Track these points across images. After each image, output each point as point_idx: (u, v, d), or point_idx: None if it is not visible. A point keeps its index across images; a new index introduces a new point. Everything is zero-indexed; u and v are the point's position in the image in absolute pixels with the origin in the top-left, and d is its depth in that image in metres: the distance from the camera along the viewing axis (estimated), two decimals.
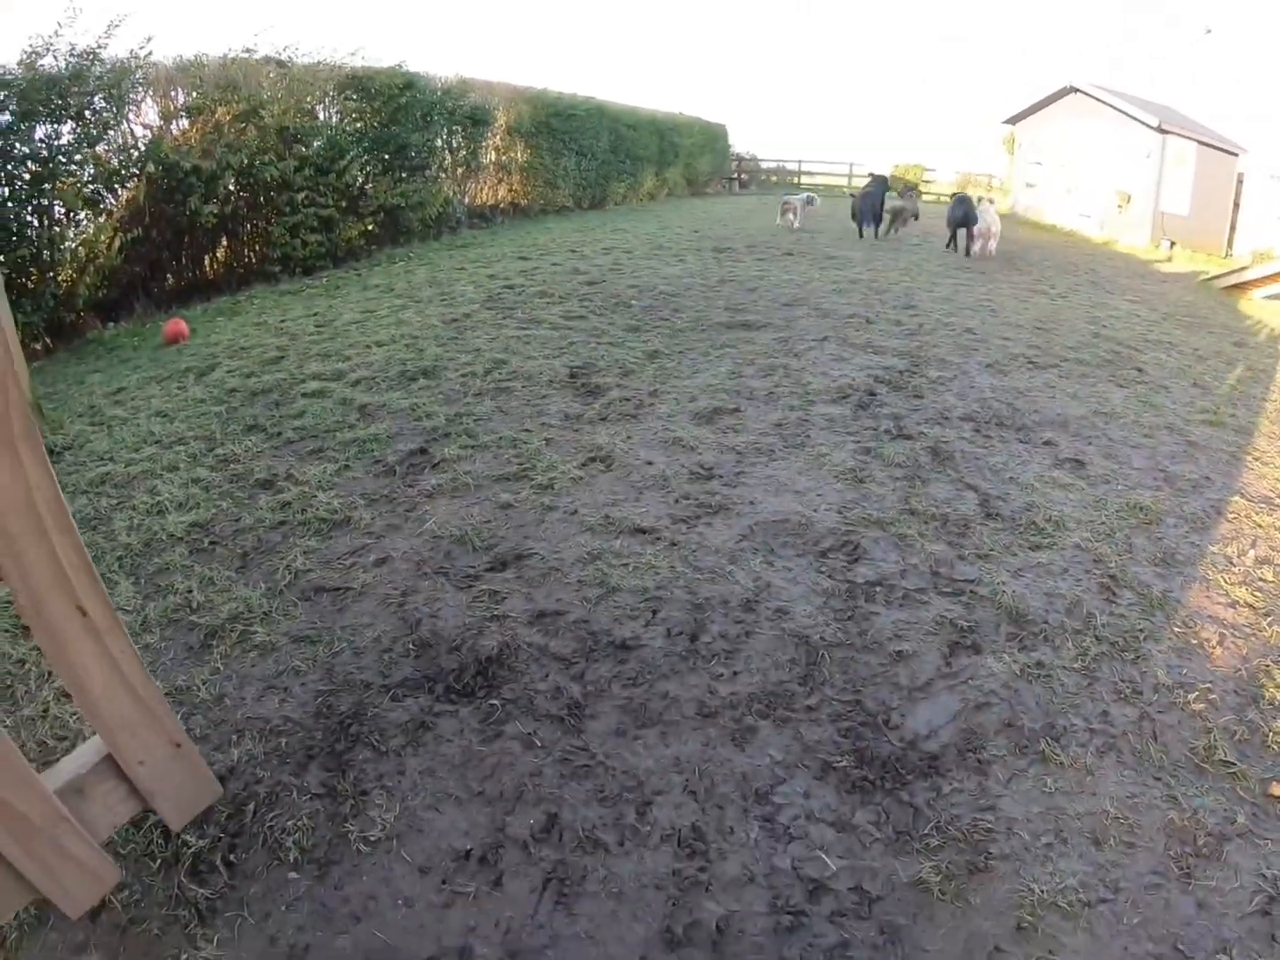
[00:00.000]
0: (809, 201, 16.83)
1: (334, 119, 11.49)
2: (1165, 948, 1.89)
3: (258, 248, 10.26)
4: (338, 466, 4.19)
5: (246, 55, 10.34)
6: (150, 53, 8.90)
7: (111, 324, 8.38)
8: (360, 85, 11.50)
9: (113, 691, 1.70)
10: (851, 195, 18.67)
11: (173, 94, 9.49)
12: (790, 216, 15.84)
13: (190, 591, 3.12)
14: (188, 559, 3.38)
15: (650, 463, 4.29)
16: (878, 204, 14.72)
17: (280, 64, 10.66)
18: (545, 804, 2.19)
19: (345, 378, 5.58)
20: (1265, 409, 6.31)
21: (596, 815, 2.17)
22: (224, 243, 10.16)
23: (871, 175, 16.60)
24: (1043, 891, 1.99)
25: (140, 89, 9.07)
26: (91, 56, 8.14)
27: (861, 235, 14.57)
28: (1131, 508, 4.10)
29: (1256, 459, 5.07)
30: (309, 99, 10.80)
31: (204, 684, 2.62)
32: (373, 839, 2.07)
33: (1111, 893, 2.01)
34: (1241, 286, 13.55)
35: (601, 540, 3.50)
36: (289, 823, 2.11)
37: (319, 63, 11.34)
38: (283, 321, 7.48)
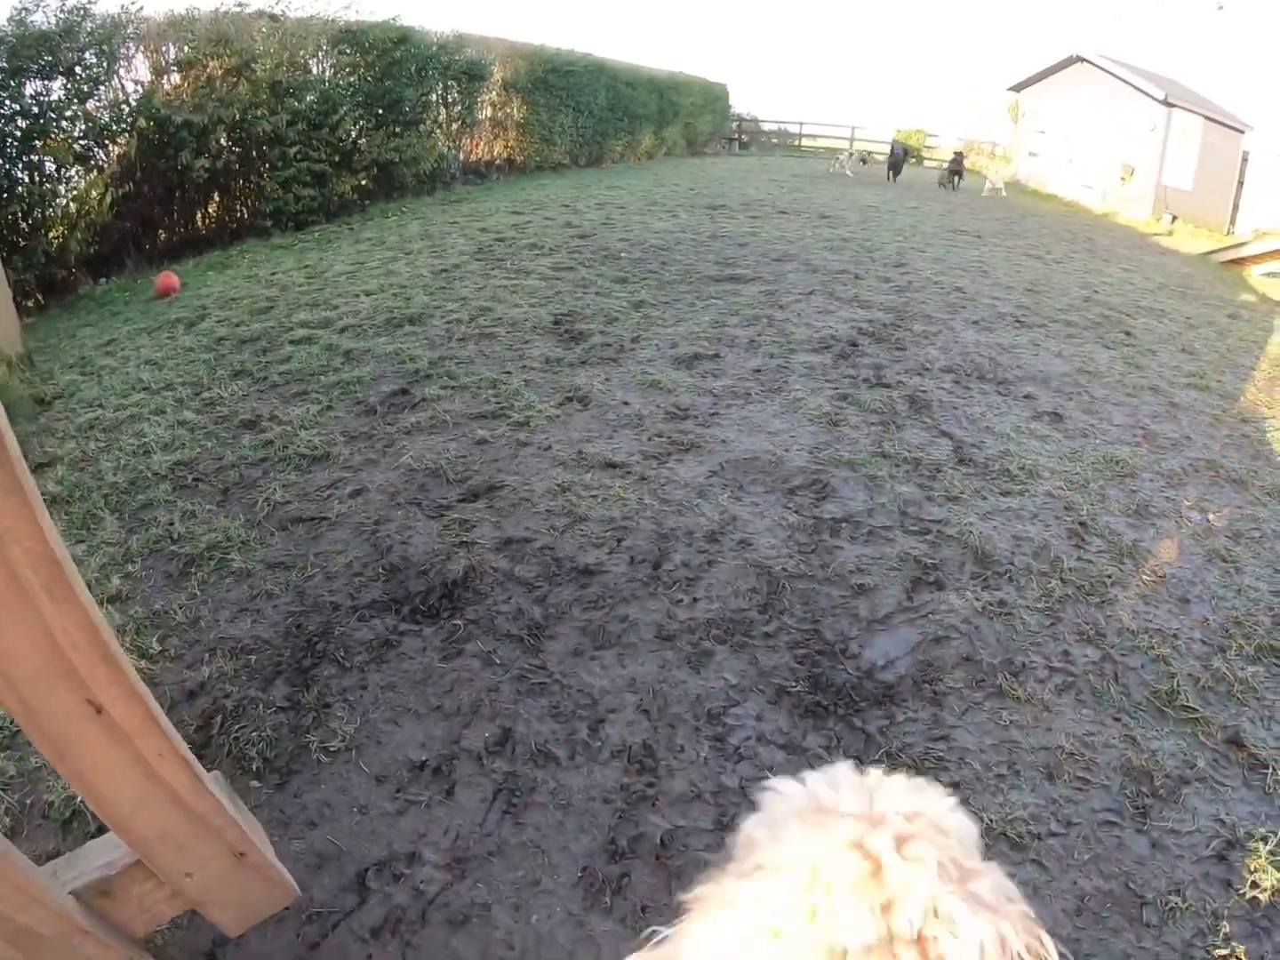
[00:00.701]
0: (863, 160, 22.39)
1: (327, 73, 11.34)
2: (1116, 885, 1.92)
3: (250, 202, 10.16)
4: (320, 407, 4.23)
5: (239, 9, 10.17)
6: (141, 7, 8.81)
7: (103, 280, 8.32)
8: (354, 39, 11.31)
9: (148, 804, 1.36)
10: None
11: (164, 48, 9.34)
12: (842, 160, 21.30)
13: (172, 524, 3.18)
14: (171, 495, 3.44)
15: (626, 403, 4.34)
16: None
17: (273, 17, 10.49)
18: (501, 719, 2.26)
19: (332, 325, 5.59)
20: (1253, 377, 6.35)
21: (550, 730, 2.23)
22: (216, 197, 10.06)
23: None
24: (992, 821, 2.03)
25: (131, 44, 8.94)
26: (82, 12, 8.05)
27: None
28: (1108, 461, 4.16)
29: (1240, 423, 5.10)
30: (302, 53, 10.66)
31: (181, 608, 2.69)
32: (332, 749, 2.14)
33: (1063, 827, 2.05)
34: (1240, 262, 13.46)
35: (573, 474, 3.56)
36: (253, 734, 2.18)
37: (312, 16, 11.14)
38: (273, 274, 7.47)
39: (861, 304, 6.68)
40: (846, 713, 2.36)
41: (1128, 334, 6.87)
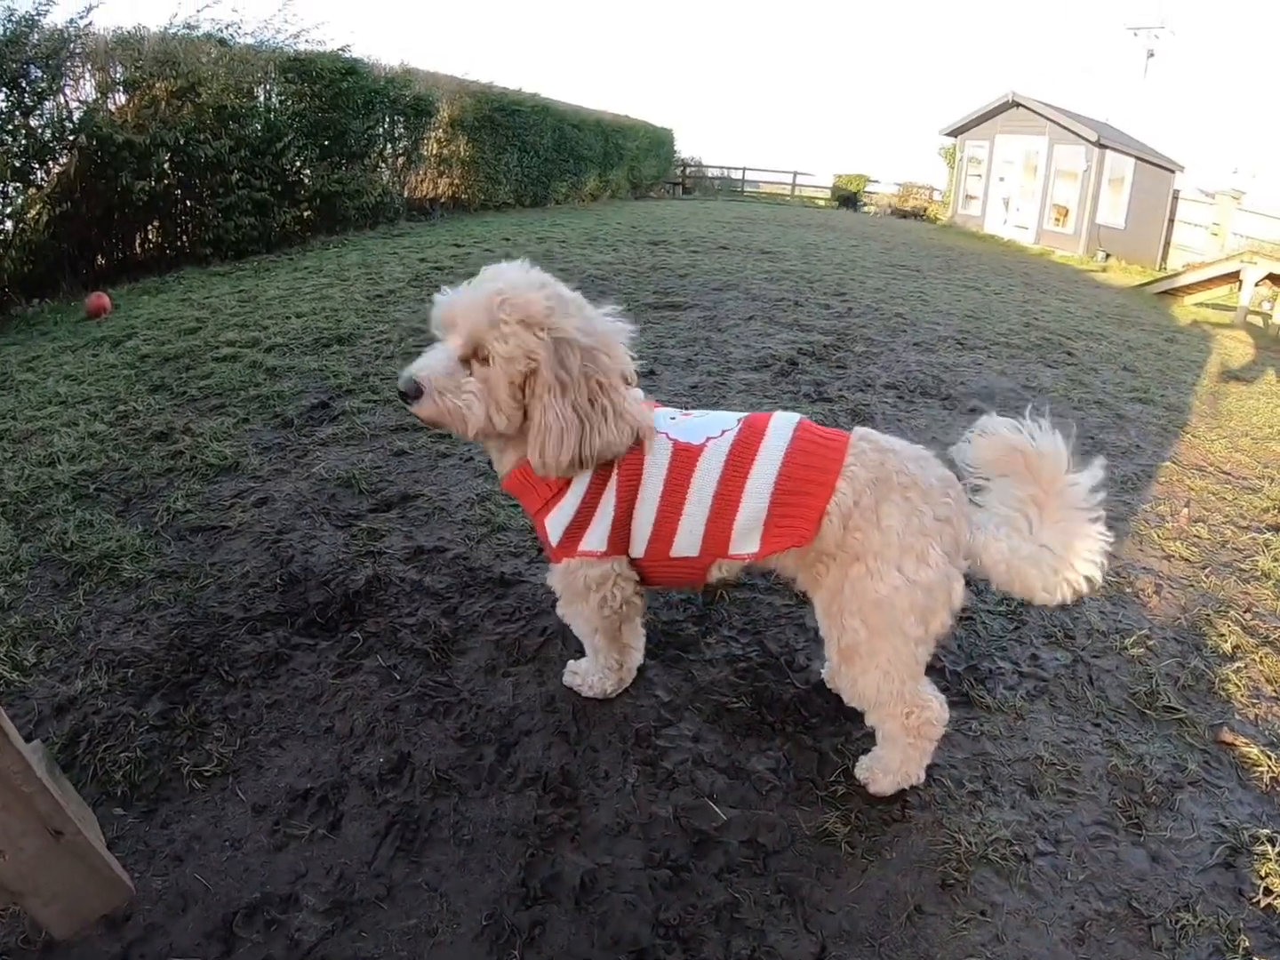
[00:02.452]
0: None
1: (273, 101, 11.10)
2: (1117, 905, 1.73)
3: (189, 229, 9.84)
4: (236, 420, 4.00)
5: (188, 31, 9.99)
6: (90, 23, 8.56)
7: (36, 301, 8.00)
8: (302, 68, 11.11)
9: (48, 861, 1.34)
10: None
11: (110, 67, 9.06)
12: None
13: (65, 533, 2.93)
14: (70, 504, 3.19)
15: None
16: None
17: (221, 42, 10.31)
18: (398, 742, 2.02)
19: (260, 344, 5.36)
20: (1196, 392, 6.46)
21: (454, 755, 1.99)
22: (155, 222, 9.73)
23: None
24: (970, 844, 1.82)
25: (78, 60, 8.67)
26: (30, 23, 7.82)
27: None
28: None
29: (1188, 433, 5.17)
30: (249, 79, 10.41)
31: (63, 618, 2.43)
32: (207, 774, 1.89)
33: (1051, 845, 1.86)
34: (1174, 293, 13.89)
35: (493, 484, 3.35)
36: (121, 755, 1.92)
37: (261, 43, 11.02)
38: (206, 298, 7.19)
39: (802, 327, 6.59)
40: (795, 730, 2.12)
41: (1069, 354, 6.96)
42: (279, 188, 10.61)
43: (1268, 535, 3.70)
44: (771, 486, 1.74)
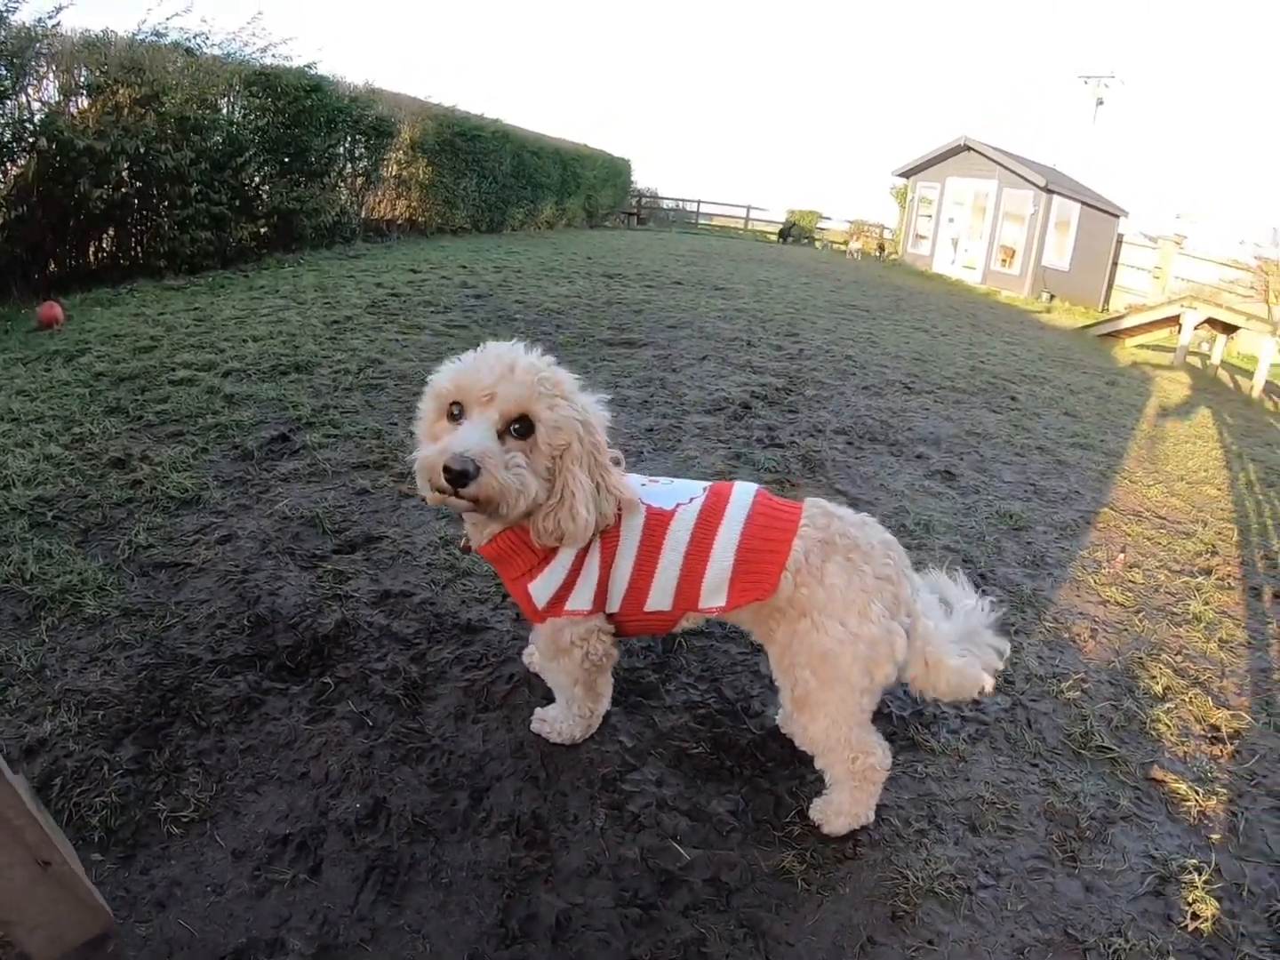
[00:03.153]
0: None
1: (236, 114, 11.04)
2: (1054, 932, 1.87)
3: (145, 240, 9.72)
4: (195, 449, 3.99)
5: (155, 39, 9.93)
6: (58, 24, 8.49)
7: None
8: (267, 83, 11.10)
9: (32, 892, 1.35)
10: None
11: (75, 69, 8.92)
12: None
13: (25, 563, 2.90)
14: (27, 532, 3.15)
15: None
16: None
17: (188, 51, 10.25)
18: (374, 788, 2.06)
19: (216, 368, 5.35)
20: (1135, 436, 6.82)
21: (429, 800, 2.04)
22: (110, 231, 9.60)
23: None
24: (918, 879, 1.95)
25: (43, 60, 8.55)
26: None
27: None
28: (1001, 515, 4.31)
29: (1126, 478, 5.51)
30: (213, 91, 10.35)
31: (26, 655, 2.42)
32: (185, 820, 1.92)
33: (992, 878, 2.00)
34: (1116, 335, 14.40)
35: (457, 528, 3.41)
36: (96, 799, 1.93)
37: (228, 55, 10.97)
38: (161, 314, 7.13)
39: (754, 369, 6.76)
40: (752, 774, 2.24)
41: (1013, 399, 7.29)
42: (237, 202, 10.56)
43: (1199, 579, 3.96)
44: (736, 547, 1.91)
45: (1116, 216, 24.14)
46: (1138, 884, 2.03)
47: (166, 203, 9.57)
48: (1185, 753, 2.58)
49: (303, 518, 3.40)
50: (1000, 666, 2.01)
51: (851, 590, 1.84)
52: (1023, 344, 11.46)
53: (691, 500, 1.99)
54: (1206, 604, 3.66)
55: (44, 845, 1.37)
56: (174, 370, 5.25)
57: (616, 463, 1.95)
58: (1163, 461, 6.18)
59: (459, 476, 1.63)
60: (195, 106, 9.75)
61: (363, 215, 14.21)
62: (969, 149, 24.09)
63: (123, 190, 9.12)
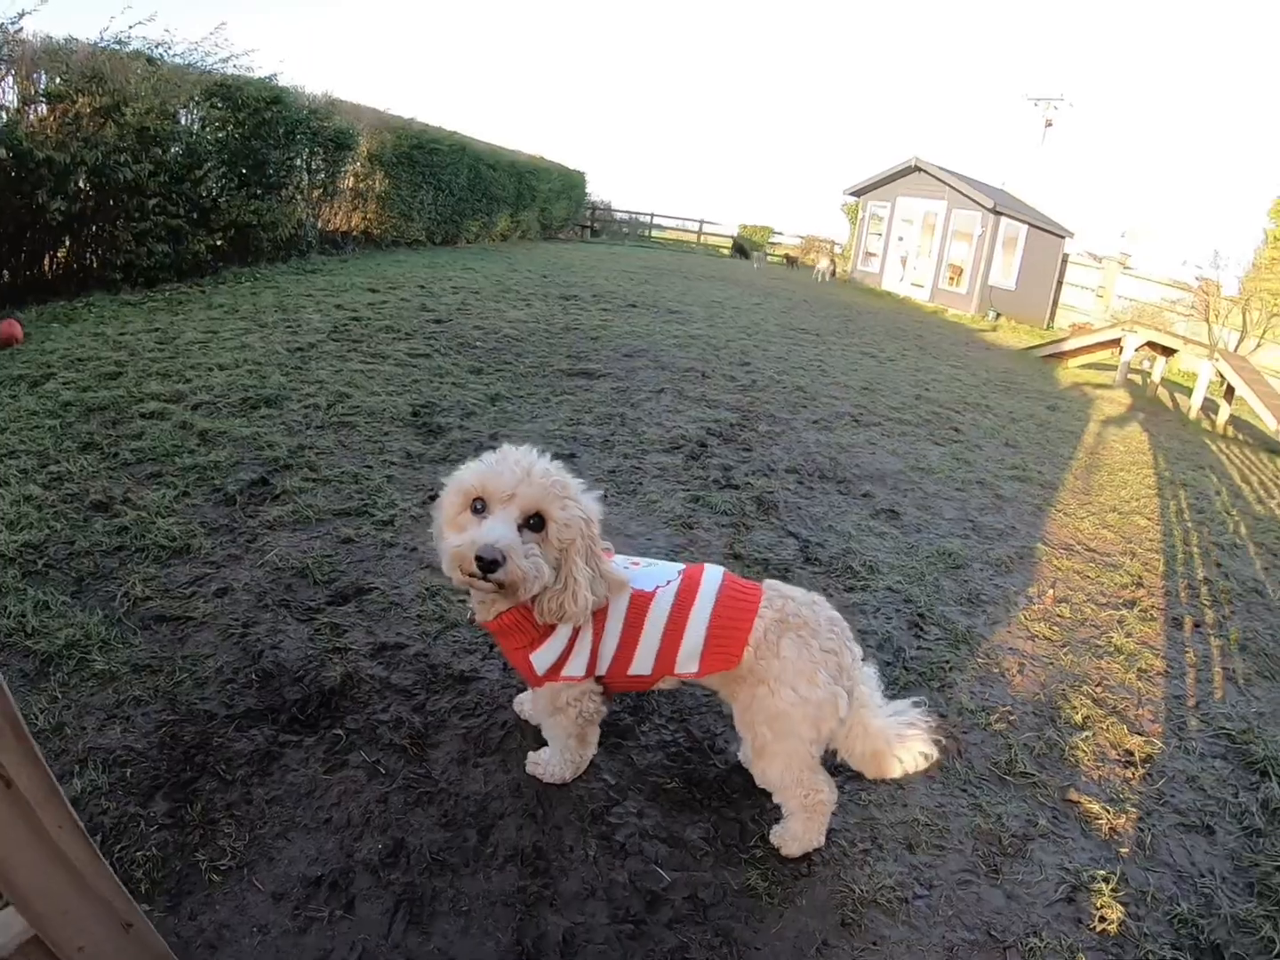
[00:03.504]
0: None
1: (196, 125, 11.02)
2: (979, 934, 2.19)
3: (101, 252, 9.68)
4: (176, 492, 4.14)
5: (117, 47, 9.89)
6: (21, 29, 8.47)
7: None
8: (227, 94, 11.10)
9: (50, 879, 1.35)
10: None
11: (35, 76, 8.83)
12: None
13: (25, 616, 3.02)
14: (21, 581, 3.26)
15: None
16: None
17: (150, 61, 10.22)
18: (392, 830, 2.29)
19: (185, 400, 5.47)
20: (1071, 466, 7.26)
21: (442, 839, 2.28)
22: (67, 243, 9.54)
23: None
24: (863, 891, 2.27)
25: (3, 66, 8.48)
26: None
27: None
28: (941, 554, 4.61)
29: (1060, 510, 5.90)
30: (174, 101, 10.31)
31: (42, 712, 2.56)
32: (224, 868, 2.11)
33: (926, 889, 2.32)
34: (1059, 356, 14.92)
35: (440, 577, 3.61)
36: (138, 854, 2.11)
37: (190, 65, 10.98)
38: (122, 334, 7.20)
39: (709, 403, 7.06)
40: (720, 804, 2.54)
41: (956, 430, 7.70)
42: (194, 215, 10.56)
43: (1123, 611, 4.32)
44: (707, 625, 2.23)
45: (1062, 237, 24.96)
46: (1052, 892, 2.36)
47: (123, 215, 9.55)
48: (1100, 776, 2.93)
49: (293, 568, 3.57)
50: (926, 750, 2.35)
51: (801, 661, 2.16)
52: (968, 368, 11.93)
53: (669, 583, 2.30)
54: (1128, 636, 4.01)
55: (129, 910, 1.51)
56: (143, 401, 5.35)
57: (608, 552, 2.26)
58: (1097, 492, 6.58)
59: (490, 565, 1.91)
60: (156, 117, 9.73)
61: (319, 228, 14.26)
62: (919, 169, 24.77)
63: (81, 202, 9.09)
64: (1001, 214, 22.95)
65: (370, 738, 2.65)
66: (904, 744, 2.33)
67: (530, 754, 2.59)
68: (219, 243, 11.31)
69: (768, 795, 2.41)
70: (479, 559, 1.91)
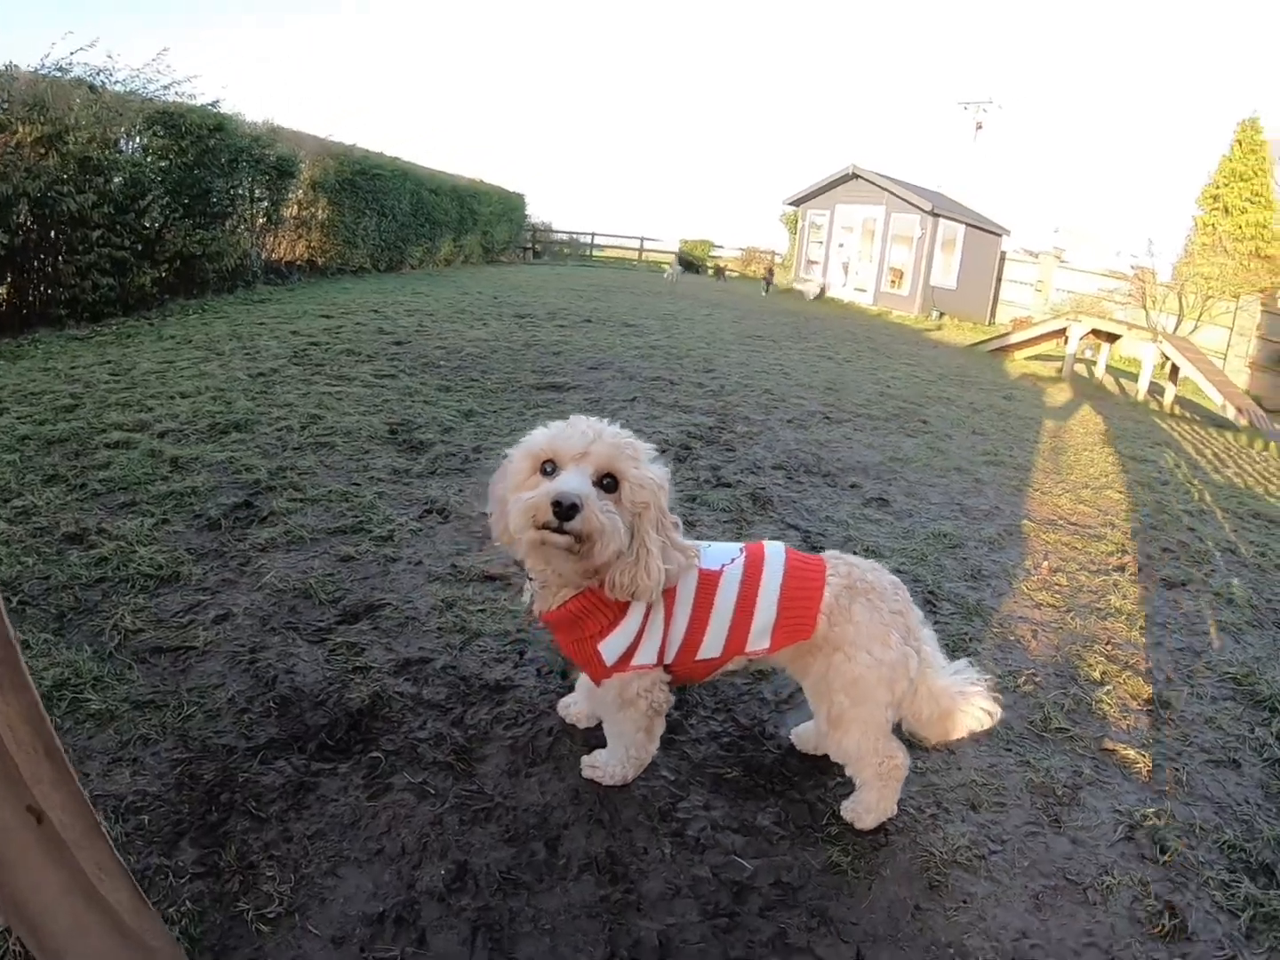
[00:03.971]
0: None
1: (139, 154, 10.63)
2: (1057, 880, 2.21)
3: (43, 288, 9.25)
4: (155, 520, 3.84)
5: (59, 74, 9.55)
6: None
7: None
8: (170, 121, 10.73)
9: (89, 930, 1.13)
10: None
11: None
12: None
13: None
14: None
15: (487, 514, 4.22)
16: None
17: (92, 88, 9.86)
18: (453, 853, 2.07)
19: (151, 429, 5.16)
20: (1038, 449, 7.53)
21: (508, 856, 2.07)
22: (9, 278, 9.05)
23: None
24: (942, 853, 2.23)
25: None
26: None
27: None
28: (936, 536, 4.60)
29: (1036, 490, 6.02)
30: (117, 129, 9.97)
31: None
32: (271, 916, 1.84)
33: (999, 845, 2.31)
34: (1005, 350, 15.13)
35: (453, 589, 3.41)
36: (170, 910, 1.83)
37: (132, 92, 10.62)
38: (73, 368, 6.83)
39: (683, 409, 6.90)
40: (783, 788, 2.43)
41: (924, 422, 7.75)
42: (139, 246, 10.19)
43: (1114, 576, 4.46)
44: (778, 598, 2.16)
45: (999, 235, 25.40)
46: (1112, 833, 2.41)
47: (67, 247, 9.17)
48: (1129, 725, 3.01)
49: (295, 589, 3.31)
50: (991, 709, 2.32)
51: (874, 624, 2.13)
52: (921, 365, 12.01)
53: (733, 560, 2.22)
54: (1125, 598, 4.16)
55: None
56: (105, 432, 5.03)
57: (676, 526, 2.09)
58: (1067, 471, 6.77)
59: (568, 510, 1.79)
60: (98, 146, 9.39)
61: (264, 258, 13.88)
62: (857, 176, 24.98)
63: (23, 235, 8.74)
64: (939, 215, 23.27)
65: (411, 758, 2.42)
66: (968, 701, 2.29)
67: (585, 758, 2.42)
68: (164, 275, 10.86)
69: (827, 772, 2.46)
70: (556, 505, 1.80)
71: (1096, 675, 3.32)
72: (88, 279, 9.28)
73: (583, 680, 2.52)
